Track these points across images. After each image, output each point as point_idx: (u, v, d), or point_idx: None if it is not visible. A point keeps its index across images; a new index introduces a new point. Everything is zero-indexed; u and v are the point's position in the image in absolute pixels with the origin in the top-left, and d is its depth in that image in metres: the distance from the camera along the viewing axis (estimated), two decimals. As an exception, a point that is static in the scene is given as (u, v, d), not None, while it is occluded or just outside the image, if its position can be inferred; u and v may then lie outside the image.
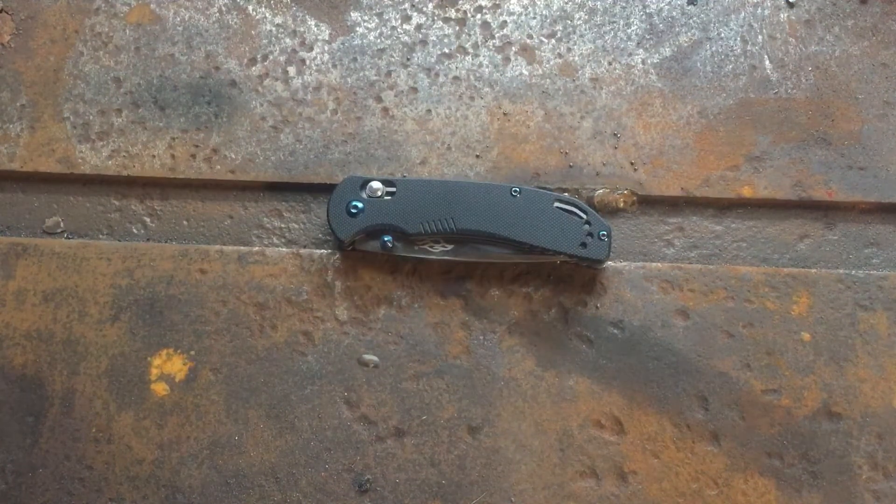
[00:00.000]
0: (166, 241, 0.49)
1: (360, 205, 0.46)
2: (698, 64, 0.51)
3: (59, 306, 0.47)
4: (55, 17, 0.53)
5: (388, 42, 0.52)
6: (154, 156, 0.50)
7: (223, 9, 0.53)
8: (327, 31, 0.53)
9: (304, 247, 0.49)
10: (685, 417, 0.45)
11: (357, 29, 0.53)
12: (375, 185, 0.47)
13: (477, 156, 0.50)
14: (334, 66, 0.52)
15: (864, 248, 0.49)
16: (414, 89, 0.51)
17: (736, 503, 0.44)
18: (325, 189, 0.49)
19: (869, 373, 0.45)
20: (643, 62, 0.52)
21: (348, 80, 0.52)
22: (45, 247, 0.48)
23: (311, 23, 0.53)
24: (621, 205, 0.49)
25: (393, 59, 0.52)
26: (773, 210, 0.49)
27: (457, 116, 0.51)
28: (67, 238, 0.49)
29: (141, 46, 0.52)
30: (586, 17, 0.53)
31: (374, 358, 0.46)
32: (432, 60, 0.52)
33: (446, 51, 0.52)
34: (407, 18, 0.53)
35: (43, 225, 0.50)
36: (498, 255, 0.47)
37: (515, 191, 0.46)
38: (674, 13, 0.53)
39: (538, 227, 0.45)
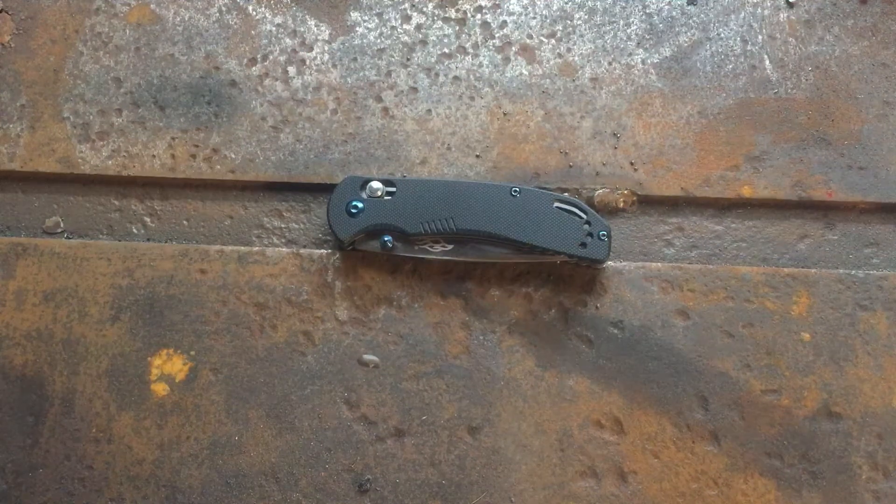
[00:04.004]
0: (166, 241, 0.49)
1: (360, 205, 0.46)
2: (698, 64, 0.51)
3: (59, 306, 0.47)
4: (55, 17, 0.53)
5: (388, 42, 0.52)
6: (154, 156, 0.50)
7: (223, 9, 0.53)
8: (327, 31, 0.53)
9: (304, 247, 0.49)
10: (685, 417, 0.45)
11: (357, 29, 0.53)
12: (375, 185, 0.47)
13: (477, 156, 0.50)
14: (334, 66, 0.52)
15: (864, 248, 0.49)
16: (414, 89, 0.51)
17: (736, 503, 0.44)
18: (325, 189, 0.49)
19: (869, 373, 0.45)
20: (643, 62, 0.52)
21: (348, 80, 0.52)
22: (45, 247, 0.48)
23: (311, 23, 0.53)
24: (621, 205, 0.49)
25: (393, 59, 0.52)
26: (773, 210, 0.49)
27: (457, 116, 0.51)
28: (67, 238, 0.49)
29: (141, 46, 0.52)
30: (586, 17, 0.53)
31: (374, 358, 0.46)
32: (432, 60, 0.52)
33: (446, 51, 0.52)
34: (407, 18, 0.53)
35: (43, 225, 0.50)
36: (498, 255, 0.47)
37: (515, 191, 0.46)
38: (674, 13, 0.53)
39: (538, 227, 0.45)
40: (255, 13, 0.53)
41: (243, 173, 0.50)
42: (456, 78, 0.51)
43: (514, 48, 0.52)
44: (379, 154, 0.50)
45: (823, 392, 0.45)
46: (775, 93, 0.51)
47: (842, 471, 0.44)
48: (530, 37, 0.52)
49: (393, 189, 0.47)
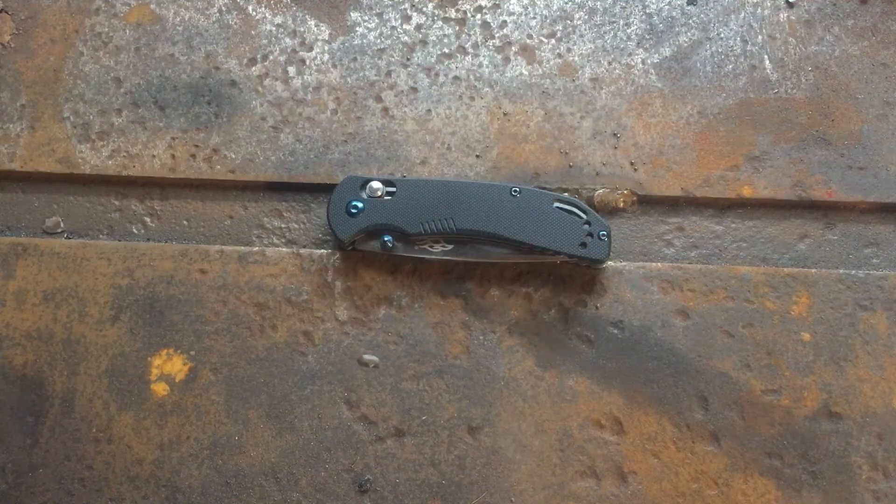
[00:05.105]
0: (166, 241, 0.49)
1: (360, 205, 0.46)
2: (698, 64, 0.51)
3: (59, 306, 0.47)
4: (55, 17, 0.53)
5: (388, 42, 0.52)
6: (154, 156, 0.50)
7: (223, 9, 0.53)
8: (327, 31, 0.53)
9: (304, 247, 0.49)
10: (685, 417, 0.45)
11: (357, 29, 0.53)
12: (375, 185, 0.47)
13: (477, 156, 0.50)
14: (334, 66, 0.52)
15: (864, 248, 0.49)
16: (414, 89, 0.51)
17: (736, 503, 0.44)
18: (325, 189, 0.49)
19: (869, 373, 0.45)
20: (643, 62, 0.52)
21: (348, 80, 0.52)
22: (45, 247, 0.48)
23: (311, 23, 0.53)
24: (621, 205, 0.49)
25: (393, 59, 0.52)
26: (773, 210, 0.49)
27: (457, 116, 0.51)
28: (67, 238, 0.49)
29: (141, 46, 0.52)
30: (586, 17, 0.53)
31: (374, 358, 0.46)
32: (432, 60, 0.52)
33: (446, 51, 0.52)
34: (407, 18, 0.53)
35: (43, 225, 0.50)
36: (498, 255, 0.47)
37: (515, 191, 0.46)
38: (674, 13, 0.53)
39: (538, 227, 0.45)
40: (255, 13, 0.53)
41: (243, 173, 0.50)
42: (456, 78, 0.51)
43: (514, 48, 0.52)
44: (379, 154, 0.50)
45: (823, 392, 0.45)
46: (775, 93, 0.51)
47: (842, 471, 0.44)
48: (530, 37, 0.52)
49: (393, 189, 0.47)
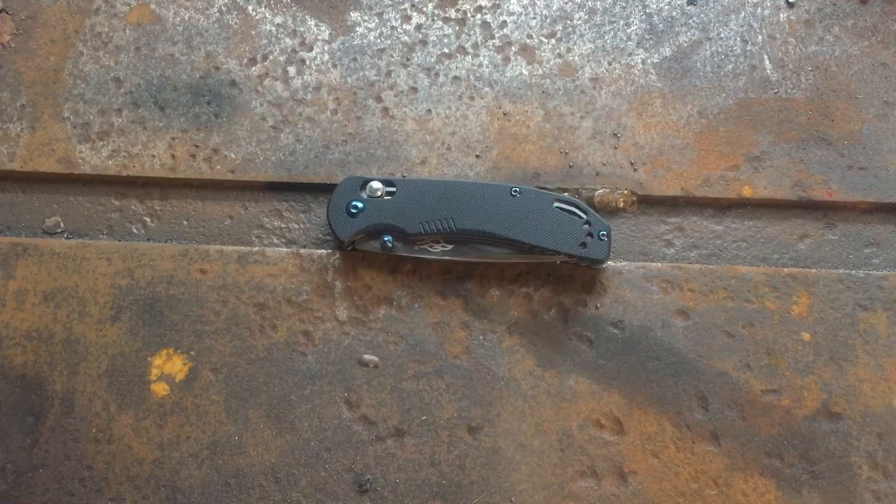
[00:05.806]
0: (166, 241, 0.49)
1: (360, 205, 0.46)
2: (698, 64, 0.51)
3: (59, 306, 0.47)
4: (55, 17, 0.53)
5: (388, 42, 0.52)
6: (154, 156, 0.50)
7: (223, 9, 0.53)
8: (327, 31, 0.53)
9: (304, 247, 0.49)
10: (685, 417, 0.45)
11: (357, 29, 0.53)
12: (375, 185, 0.47)
13: (477, 156, 0.50)
14: (334, 66, 0.52)
15: (864, 248, 0.49)
16: (414, 89, 0.51)
17: (736, 503, 0.44)
18: (325, 189, 0.49)
19: (869, 373, 0.45)
20: (643, 62, 0.52)
21: (348, 80, 0.52)
22: (45, 247, 0.48)
23: (311, 23, 0.53)
24: (621, 205, 0.49)
25: (393, 59, 0.52)
26: (773, 210, 0.49)
27: (457, 116, 0.51)
28: (67, 238, 0.49)
29: (141, 46, 0.52)
30: (586, 17, 0.53)
31: (374, 358, 0.46)
32: (432, 60, 0.52)
33: (446, 51, 0.52)
34: (407, 18, 0.53)
35: (43, 225, 0.50)
36: (498, 255, 0.47)
37: (515, 191, 0.46)
38: (674, 13, 0.53)
39: (538, 227, 0.45)
40: (255, 13, 0.53)
41: (243, 173, 0.50)
42: (456, 78, 0.51)
43: (514, 48, 0.52)
44: (379, 154, 0.50)
45: (823, 392, 0.45)
46: (775, 93, 0.51)
47: (842, 471, 0.44)
48: (530, 37, 0.52)
49: (393, 189, 0.47)
